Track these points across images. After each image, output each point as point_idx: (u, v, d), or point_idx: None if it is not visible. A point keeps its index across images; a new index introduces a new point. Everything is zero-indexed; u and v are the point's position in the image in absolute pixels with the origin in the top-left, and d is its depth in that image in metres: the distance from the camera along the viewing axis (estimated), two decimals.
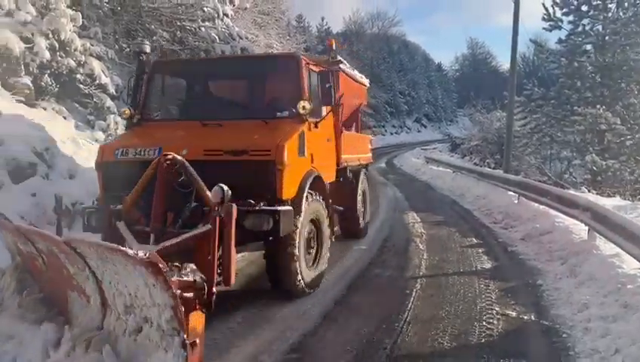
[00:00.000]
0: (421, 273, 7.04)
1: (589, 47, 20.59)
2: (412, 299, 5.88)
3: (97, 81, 10.77)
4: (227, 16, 14.77)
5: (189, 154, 5.04)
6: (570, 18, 20.51)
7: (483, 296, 5.95)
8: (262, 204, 5.08)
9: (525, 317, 5.31)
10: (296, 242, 5.49)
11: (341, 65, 7.57)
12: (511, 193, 12.35)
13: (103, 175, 5.68)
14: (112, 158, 5.59)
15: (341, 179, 7.82)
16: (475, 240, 9.11)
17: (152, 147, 5.40)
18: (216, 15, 14.05)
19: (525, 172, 20.12)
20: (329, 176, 7.00)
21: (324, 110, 6.62)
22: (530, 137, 21.36)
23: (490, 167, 21.40)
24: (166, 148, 5.09)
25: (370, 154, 10.19)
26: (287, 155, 5.27)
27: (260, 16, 19.99)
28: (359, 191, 8.84)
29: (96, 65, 10.73)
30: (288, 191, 5.38)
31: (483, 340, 4.74)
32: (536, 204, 10.33)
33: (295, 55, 6.72)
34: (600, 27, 20.02)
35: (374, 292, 6.25)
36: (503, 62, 78.99)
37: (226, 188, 4.17)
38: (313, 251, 6.14)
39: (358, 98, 9.54)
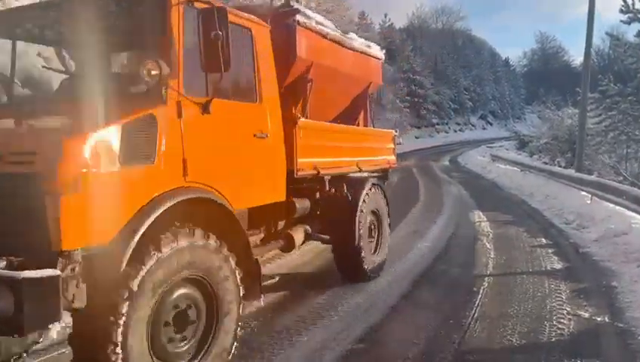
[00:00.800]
0: (488, 271, 6.98)
1: None
2: (479, 296, 5.86)
3: None
4: None
5: None
6: None
7: (553, 296, 5.85)
8: (3, 265, 2.78)
9: (598, 319, 5.19)
10: (115, 341, 2.98)
11: (299, 18, 5.07)
12: (583, 193, 11.97)
13: None
14: None
15: (317, 195, 5.67)
16: (544, 241, 8.89)
17: None
18: None
19: (599, 171, 19.31)
20: (265, 195, 4.57)
21: (267, 84, 4.44)
22: (605, 135, 20.47)
23: (560, 166, 20.67)
24: None
25: (390, 157, 7.45)
26: (80, 164, 2.90)
27: (323, 15, 20.31)
28: (360, 214, 6.04)
29: None
30: (82, 233, 2.91)
31: (553, 339, 4.68)
32: (611, 205, 9.98)
33: None
34: None
35: (440, 288, 6.28)
36: (576, 57, 76.27)
37: None
38: (192, 342, 3.55)
39: (361, 76, 6.88)
